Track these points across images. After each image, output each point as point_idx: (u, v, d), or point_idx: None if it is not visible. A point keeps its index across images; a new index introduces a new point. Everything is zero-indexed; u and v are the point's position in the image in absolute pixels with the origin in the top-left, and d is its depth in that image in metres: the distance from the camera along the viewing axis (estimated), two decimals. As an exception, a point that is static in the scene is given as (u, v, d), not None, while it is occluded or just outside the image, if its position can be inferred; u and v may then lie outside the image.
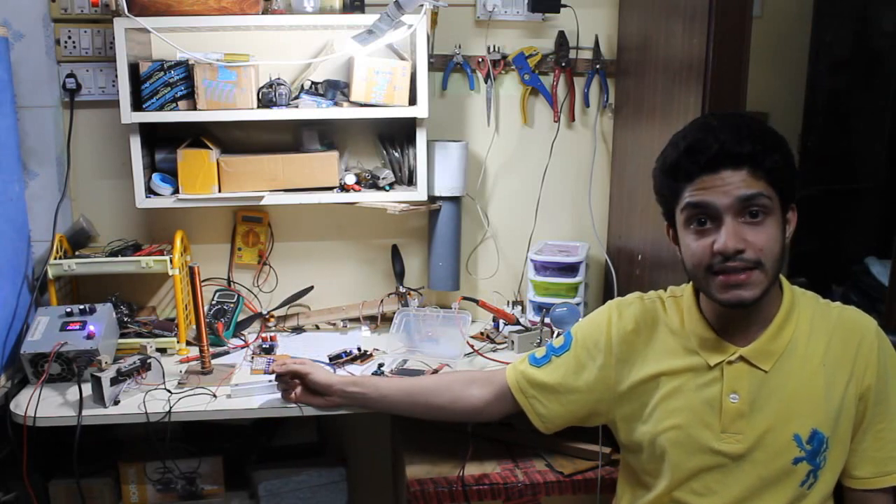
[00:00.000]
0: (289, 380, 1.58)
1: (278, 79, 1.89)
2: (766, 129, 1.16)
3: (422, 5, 1.77)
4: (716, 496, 1.21)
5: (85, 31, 1.93)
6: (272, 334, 1.98)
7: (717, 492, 1.21)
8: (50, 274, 1.83)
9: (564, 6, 2.01)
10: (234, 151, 2.00)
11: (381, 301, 2.08)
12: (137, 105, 1.83)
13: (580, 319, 1.42)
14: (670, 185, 1.18)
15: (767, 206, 1.12)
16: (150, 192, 1.91)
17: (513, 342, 1.90)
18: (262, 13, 1.82)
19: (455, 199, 2.05)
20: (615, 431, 1.35)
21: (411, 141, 1.96)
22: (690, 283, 1.26)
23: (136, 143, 1.85)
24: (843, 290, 2.08)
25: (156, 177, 1.90)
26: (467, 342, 1.85)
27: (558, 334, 1.78)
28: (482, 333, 1.99)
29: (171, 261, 1.87)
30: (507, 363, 1.76)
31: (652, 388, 1.26)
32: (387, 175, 1.99)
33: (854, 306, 1.26)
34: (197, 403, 1.61)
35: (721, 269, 1.13)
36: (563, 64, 2.09)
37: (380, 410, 1.54)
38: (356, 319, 2.09)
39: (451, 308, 1.98)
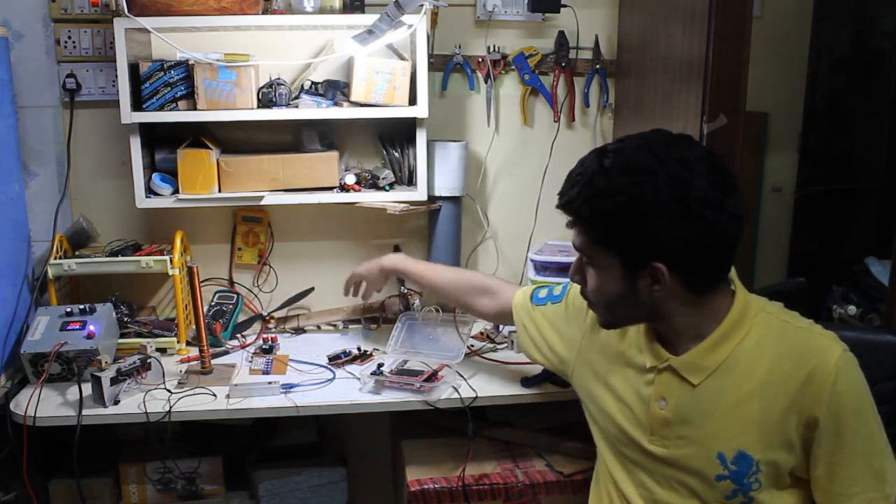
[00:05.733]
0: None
1: (278, 79, 1.89)
2: (605, 189, 1.08)
3: (422, 5, 1.77)
4: (646, 490, 1.23)
5: (85, 31, 1.93)
6: (273, 335, 1.98)
7: (650, 489, 1.23)
8: (50, 274, 1.83)
9: (564, 6, 2.02)
10: (234, 151, 2.00)
11: (382, 302, 2.08)
12: (137, 105, 1.83)
13: None
14: None
15: (589, 257, 1.16)
16: (150, 192, 1.90)
17: (512, 342, 1.90)
18: (262, 13, 1.82)
19: (455, 199, 2.05)
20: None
21: (411, 141, 1.96)
22: None
23: (136, 143, 1.85)
24: (842, 290, 2.08)
25: (156, 177, 1.90)
26: (467, 344, 1.85)
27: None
28: (482, 333, 1.99)
29: (171, 261, 1.87)
30: (507, 363, 1.78)
31: (604, 371, 1.30)
32: (387, 175, 1.99)
33: (831, 332, 1.15)
34: (197, 403, 1.61)
35: None
36: (563, 64, 2.09)
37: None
38: (357, 321, 2.09)
39: (451, 308, 1.98)
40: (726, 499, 1.16)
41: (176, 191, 1.91)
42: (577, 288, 1.40)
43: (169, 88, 1.83)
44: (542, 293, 1.50)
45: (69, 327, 1.73)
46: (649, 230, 1.07)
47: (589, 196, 1.09)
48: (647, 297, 1.12)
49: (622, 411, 1.25)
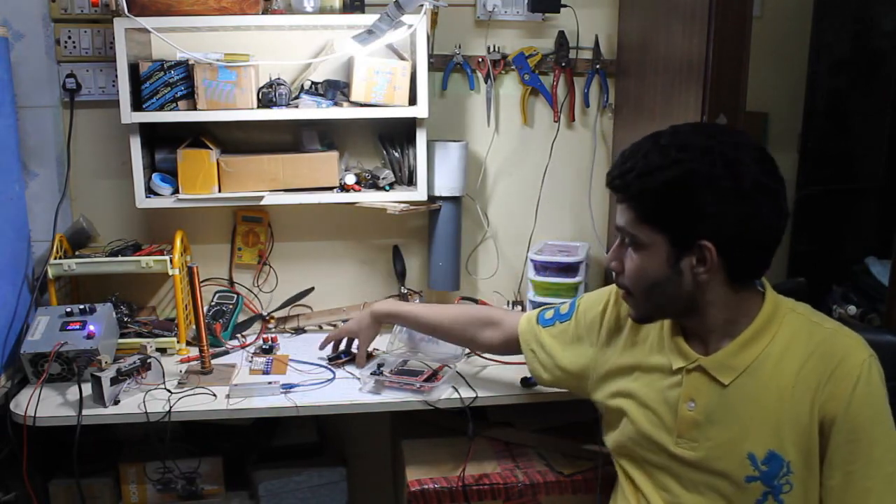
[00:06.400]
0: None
1: (278, 79, 1.89)
2: (660, 164, 1.08)
3: (422, 5, 1.77)
4: (670, 494, 1.22)
5: (85, 31, 1.93)
6: (273, 335, 1.98)
7: (674, 492, 1.21)
8: (50, 274, 1.83)
9: (564, 6, 2.01)
10: (234, 151, 2.00)
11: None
12: (137, 105, 1.83)
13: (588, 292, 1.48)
14: None
15: (636, 239, 1.14)
16: (150, 192, 1.91)
17: (513, 342, 1.90)
18: (262, 13, 1.82)
19: (455, 199, 2.05)
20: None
21: (411, 141, 1.96)
22: None
23: (136, 143, 1.85)
24: (842, 290, 2.08)
25: (156, 177, 1.90)
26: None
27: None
28: (482, 333, 1.99)
29: (171, 261, 1.87)
30: (507, 363, 1.78)
31: (625, 379, 1.29)
32: (387, 175, 1.99)
33: (858, 335, 1.15)
34: (197, 403, 1.61)
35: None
36: (563, 64, 2.09)
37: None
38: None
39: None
40: (756, 503, 1.13)
41: (176, 191, 1.91)
42: (585, 304, 1.41)
43: (169, 88, 1.83)
44: (549, 314, 1.47)
45: (69, 327, 1.73)
46: (701, 206, 1.07)
47: (642, 170, 1.09)
48: (688, 282, 1.12)
49: (647, 416, 1.23)
